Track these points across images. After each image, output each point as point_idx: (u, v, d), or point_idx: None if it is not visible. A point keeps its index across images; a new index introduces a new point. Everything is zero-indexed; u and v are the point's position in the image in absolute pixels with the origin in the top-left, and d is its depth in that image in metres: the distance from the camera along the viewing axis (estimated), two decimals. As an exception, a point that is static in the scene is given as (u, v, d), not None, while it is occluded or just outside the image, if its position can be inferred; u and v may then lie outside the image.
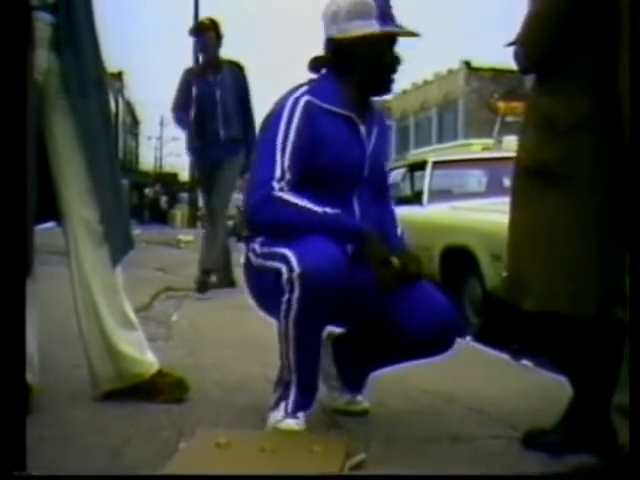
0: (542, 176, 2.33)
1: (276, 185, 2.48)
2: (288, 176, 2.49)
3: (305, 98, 2.59)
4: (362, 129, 2.67)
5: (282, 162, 2.51)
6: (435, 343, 2.60)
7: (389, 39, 2.65)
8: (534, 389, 3.29)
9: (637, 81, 2.08)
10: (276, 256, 2.43)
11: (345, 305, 2.53)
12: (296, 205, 2.47)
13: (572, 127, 2.29)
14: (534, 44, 2.35)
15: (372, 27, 2.60)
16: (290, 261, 2.37)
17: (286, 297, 2.38)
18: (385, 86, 2.70)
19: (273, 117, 2.58)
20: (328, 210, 2.48)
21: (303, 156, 2.52)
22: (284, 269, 2.38)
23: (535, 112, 2.39)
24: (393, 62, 2.68)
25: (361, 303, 2.61)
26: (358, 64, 2.65)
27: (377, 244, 2.53)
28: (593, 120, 2.28)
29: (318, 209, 2.47)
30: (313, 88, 2.64)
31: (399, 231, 2.86)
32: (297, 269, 2.35)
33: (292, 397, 2.51)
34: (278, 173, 2.49)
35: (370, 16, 2.61)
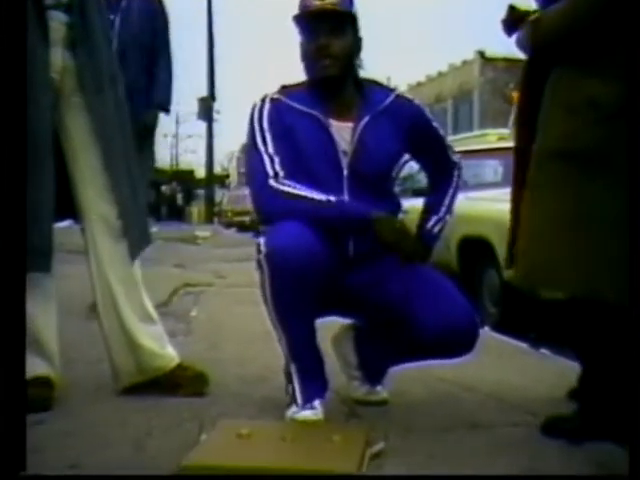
0: (579, 161, 2.28)
1: (270, 172, 2.52)
2: (277, 159, 2.53)
3: (271, 96, 2.65)
4: (334, 125, 2.61)
5: (267, 150, 2.55)
6: (455, 346, 2.59)
7: (306, 23, 2.60)
8: (553, 377, 3.28)
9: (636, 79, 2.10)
10: None
11: (343, 299, 2.60)
12: (297, 195, 2.49)
13: (617, 111, 2.24)
14: (573, 19, 2.31)
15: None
16: (260, 245, 2.45)
17: (260, 281, 2.46)
18: (314, 73, 2.61)
19: (249, 121, 2.63)
20: (331, 198, 2.50)
21: (282, 143, 2.56)
22: (256, 254, 2.46)
23: (574, 95, 2.32)
24: (312, 46, 2.58)
25: (363, 300, 2.64)
26: (301, 59, 2.66)
27: (386, 223, 2.53)
28: (631, 106, 2.24)
29: (322, 197, 2.49)
30: (285, 90, 2.68)
31: (430, 222, 2.79)
32: (263, 250, 2.42)
33: (297, 386, 2.54)
34: (267, 160, 2.54)
35: (298, 7, 2.63)
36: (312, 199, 2.49)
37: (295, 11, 2.66)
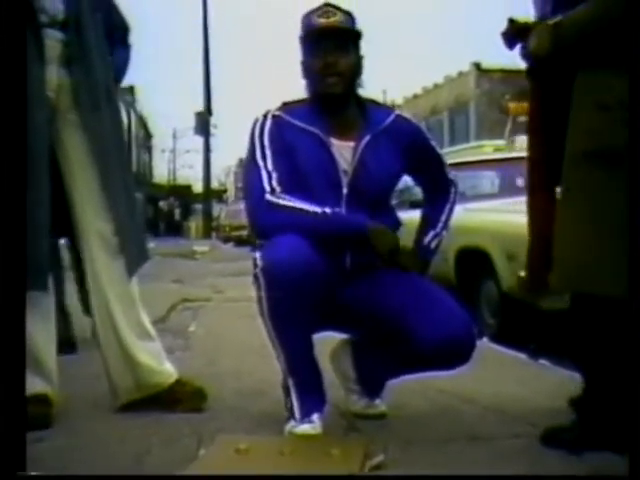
0: (608, 160, 2.27)
1: (267, 187, 2.53)
2: (275, 175, 2.54)
3: (273, 112, 2.66)
4: (335, 144, 2.63)
5: (265, 165, 2.56)
6: (452, 357, 2.58)
7: (313, 41, 2.63)
8: (552, 387, 3.28)
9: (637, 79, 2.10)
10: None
11: (339, 313, 2.61)
12: (293, 208, 2.50)
13: None
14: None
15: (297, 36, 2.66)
16: (256, 259, 2.45)
17: (257, 295, 2.46)
18: (320, 90, 2.63)
19: (250, 136, 2.64)
20: (327, 210, 2.51)
21: (282, 159, 2.57)
22: (253, 268, 2.46)
23: (605, 94, 2.30)
24: (319, 64, 2.60)
25: (360, 313, 2.65)
26: (304, 77, 2.69)
27: (382, 235, 2.54)
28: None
29: (317, 209, 2.50)
30: (286, 106, 2.69)
31: (428, 238, 2.81)
32: (260, 263, 2.43)
33: (295, 401, 2.54)
34: (265, 176, 2.55)
35: (301, 27, 2.66)
36: (308, 211, 2.50)
37: (293, 27, 2.69)
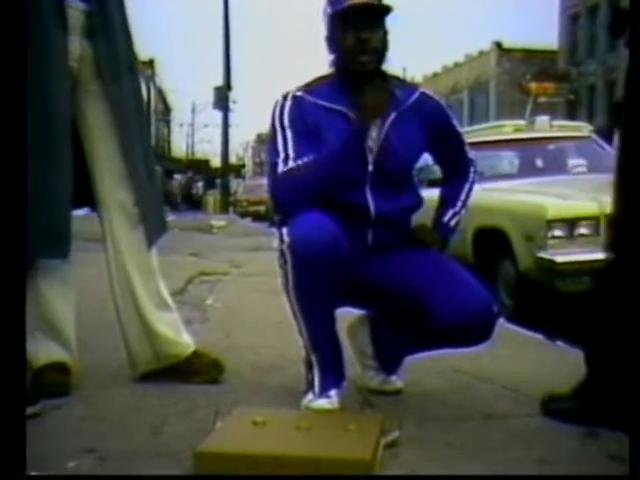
0: None
1: (282, 166, 2.54)
2: (292, 154, 2.55)
3: (293, 93, 2.66)
4: (360, 122, 2.58)
5: (285, 146, 2.57)
6: (472, 334, 2.58)
7: (347, 18, 2.58)
8: (568, 368, 3.26)
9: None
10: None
11: (359, 288, 2.60)
12: (298, 166, 2.52)
13: None
14: None
15: (326, 13, 2.64)
16: (282, 235, 2.46)
17: (283, 270, 2.47)
18: (353, 67, 2.61)
19: (271, 118, 2.64)
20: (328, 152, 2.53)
21: (303, 140, 2.57)
22: (279, 244, 2.48)
23: None
24: (353, 40, 2.57)
25: (381, 289, 2.65)
26: (332, 53, 2.67)
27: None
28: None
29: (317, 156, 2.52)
30: (307, 86, 2.68)
31: (447, 216, 2.80)
32: (287, 240, 2.44)
33: (316, 376, 2.55)
34: (282, 155, 2.56)
35: (329, 3, 2.63)
36: (307, 163, 2.52)
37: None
